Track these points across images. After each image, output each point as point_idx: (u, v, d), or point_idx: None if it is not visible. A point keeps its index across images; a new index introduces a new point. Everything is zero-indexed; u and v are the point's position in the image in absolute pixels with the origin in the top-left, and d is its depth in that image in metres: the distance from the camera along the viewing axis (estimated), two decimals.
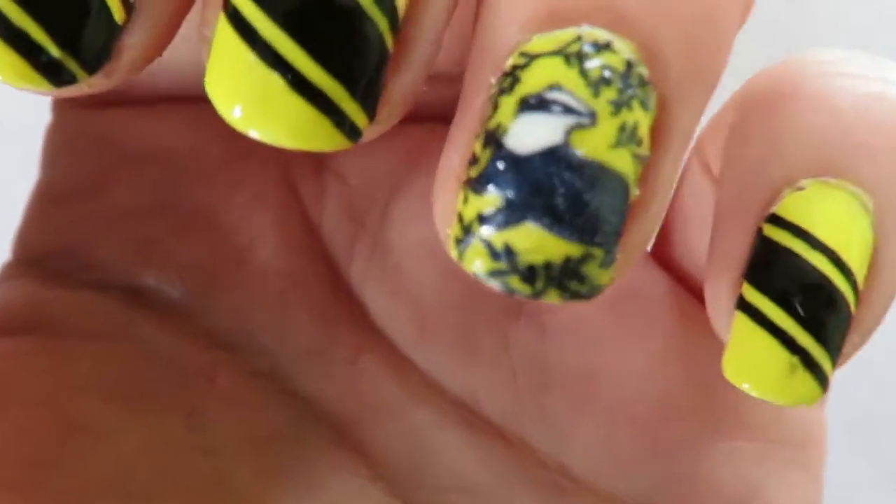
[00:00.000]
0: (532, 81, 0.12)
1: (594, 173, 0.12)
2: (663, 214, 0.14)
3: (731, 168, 0.16)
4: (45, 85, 0.12)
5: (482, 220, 0.12)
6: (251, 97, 0.12)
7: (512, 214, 0.12)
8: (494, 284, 0.12)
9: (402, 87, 0.13)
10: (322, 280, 0.20)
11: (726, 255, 0.15)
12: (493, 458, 0.19)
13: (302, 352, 0.19)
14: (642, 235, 0.13)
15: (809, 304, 0.14)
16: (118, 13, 0.13)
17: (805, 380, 0.14)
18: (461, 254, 0.12)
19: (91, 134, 0.20)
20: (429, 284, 0.19)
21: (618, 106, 0.12)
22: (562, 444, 0.19)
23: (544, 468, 0.19)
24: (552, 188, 0.12)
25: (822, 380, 0.14)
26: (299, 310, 0.19)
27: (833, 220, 0.14)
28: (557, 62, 0.12)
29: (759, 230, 0.15)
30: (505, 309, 0.19)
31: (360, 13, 0.12)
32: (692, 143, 0.17)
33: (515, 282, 0.12)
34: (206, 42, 0.13)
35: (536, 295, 0.12)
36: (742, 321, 0.15)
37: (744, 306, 0.15)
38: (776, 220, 0.15)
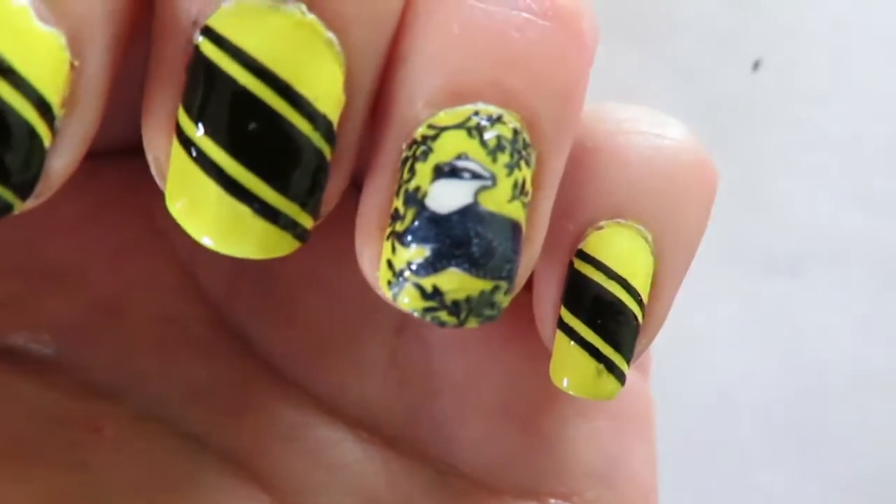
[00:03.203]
0: (443, 151, 0.15)
1: (499, 224, 0.15)
2: (542, 243, 0.17)
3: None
4: None
5: (412, 267, 0.15)
6: (222, 225, 0.14)
7: (438, 263, 0.15)
8: (426, 318, 0.15)
9: (336, 189, 0.15)
10: (201, 320, 0.21)
11: (547, 284, 0.19)
12: (389, 468, 0.21)
13: (188, 392, 0.20)
14: (529, 263, 0.16)
15: (608, 322, 0.18)
16: (47, 138, 0.13)
17: (609, 380, 0.18)
18: (395, 295, 0.15)
19: None
20: (317, 311, 0.21)
21: (511, 168, 0.15)
22: (451, 446, 0.21)
23: (436, 471, 0.21)
24: (469, 240, 0.15)
25: (620, 377, 0.19)
26: (180, 352, 0.20)
27: (623, 254, 0.18)
28: (462, 135, 0.15)
29: (571, 263, 0.19)
30: (389, 326, 0.21)
31: (307, 143, 0.14)
32: None
33: (444, 315, 0.15)
34: (156, 163, 0.14)
35: (461, 324, 0.15)
36: (561, 337, 0.19)
37: (562, 326, 0.19)
38: (583, 256, 0.19)
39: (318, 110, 0.14)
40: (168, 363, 0.20)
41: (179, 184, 0.14)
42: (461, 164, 0.15)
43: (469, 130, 0.15)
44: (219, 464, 0.20)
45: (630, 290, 0.18)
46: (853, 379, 0.47)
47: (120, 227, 0.20)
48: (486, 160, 0.15)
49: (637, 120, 0.19)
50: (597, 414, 0.22)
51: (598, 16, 0.17)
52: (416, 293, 0.15)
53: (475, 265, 0.15)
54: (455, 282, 0.14)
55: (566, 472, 0.21)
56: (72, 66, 0.13)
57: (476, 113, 0.15)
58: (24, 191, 0.13)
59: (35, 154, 0.13)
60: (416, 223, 0.15)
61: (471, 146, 0.15)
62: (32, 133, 0.13)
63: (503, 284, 0.15)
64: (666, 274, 0.19)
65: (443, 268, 0.14)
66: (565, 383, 0.18)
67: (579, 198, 0.19)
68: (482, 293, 0.15)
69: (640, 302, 0.18)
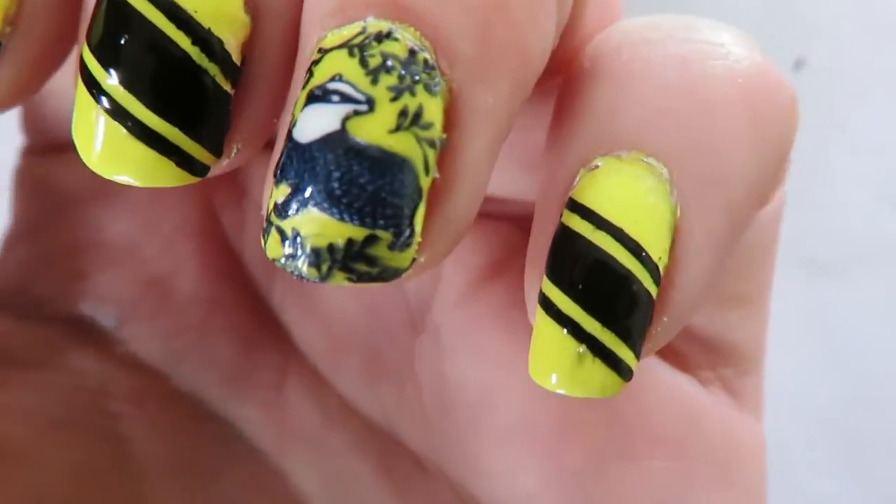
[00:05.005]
0: (319, 75, 0.12)
1: (373, 158, 0.12)
2: (477, 196, 0.13)
3: (543, 159, 0.15)
4: None
5: (276, 208, 0.12)
6: (99, 145, 0.13)
7: (298, 201, 0.12)
8: (287, 269, 0.12)
9: (247, 124, 0.13)
10: (245, 305, 0.20)
11: (534, 249, 0.14)
12: (406, 487, 0.18)
13: (227, 377, 0.20)
14: (451, 217, 0.13)
15: (593, 287, 0.13)
16: None
17: (596, 368, 0.13)
18: (264, 242, 0.13)
19: (35, 178, 0.21)
20: (337, 302, 0.19)
21: (398, 91, 0.12)
22: (470, 472, 0.18)
23: (457, 499, 0.18)
24: (328, 174, 0.12)
25: (619, 367, 0.13)
26: (223, 335, 0.20)
27: (618, 195, 0.13)
28: (342, 55, 0.12)
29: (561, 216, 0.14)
30: (408, 324, 0.19)
31: (189, 64, 0.13)
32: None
33: (302, 265, 0.12)
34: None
35: (323, 278, 0.12)
36: (539, 315, 0.14)
37: (541, 299, 0.14)
38: (571, 205, 0.14)
39: (201, 25, 0.12)
40: (210, 344, 0.20)
41: (78, 112, 0.13)
42: (332, 86, 0.12)
43: (350, 49, 0.12)
44: (247, 451, 0.19)
45: (627, 244, 0.13)
46: None
47: (178, 207, 0.20)
48: (363, 81, 0.12)
49: (653, 27, 0.14)
50: (648, 450, 0.17)
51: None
52: (277, 238, 0.12)
53: (336, 205, 0.12)
54: (314, 224, 0.12)
55: None
56: None
57: (364, 30, 0.12)
58: None
59: None
60: (283, 157, 0.12)
61: (348, 66, 0.12)
62: None
63: (384, 235, 0.12)
64: (694, 225, 0.13)
65: (303, 207, 0.12)
66: (553, 380, 0.13)
67: (570, 132, 0.14)
68: (350, 242, 0.12)
69: (646, 261, 0.13)
